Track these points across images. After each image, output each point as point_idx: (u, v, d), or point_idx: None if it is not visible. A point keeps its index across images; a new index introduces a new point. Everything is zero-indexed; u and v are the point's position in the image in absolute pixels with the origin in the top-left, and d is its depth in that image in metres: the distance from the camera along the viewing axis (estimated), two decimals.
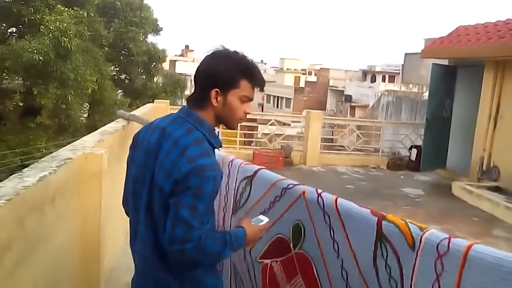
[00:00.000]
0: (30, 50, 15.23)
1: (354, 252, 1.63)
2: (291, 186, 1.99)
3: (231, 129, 1.76)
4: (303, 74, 51.98)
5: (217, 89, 1.62)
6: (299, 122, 13.46)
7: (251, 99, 1.69)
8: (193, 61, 49.63)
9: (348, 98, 35.81)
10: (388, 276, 1.50)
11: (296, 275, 1.91)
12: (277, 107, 43.68)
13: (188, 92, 26.21)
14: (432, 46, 9.86)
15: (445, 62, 9.92)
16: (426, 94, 18.96)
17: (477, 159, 8.56)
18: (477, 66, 8.72)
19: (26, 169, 1.98)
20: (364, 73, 44.39)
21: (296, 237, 1.91)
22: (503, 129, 8.13)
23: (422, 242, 1.38)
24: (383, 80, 40.49)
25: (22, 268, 1.74)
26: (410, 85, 28.27)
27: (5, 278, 1.58)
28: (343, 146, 11.31)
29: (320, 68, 46.30)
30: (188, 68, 42.12)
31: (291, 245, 1.92)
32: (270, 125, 11.04)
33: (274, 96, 45.08)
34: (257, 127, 13.06)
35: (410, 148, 10.34)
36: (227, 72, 1.62)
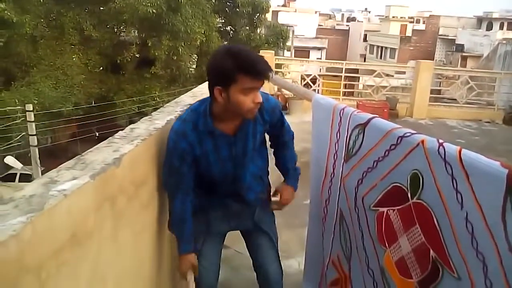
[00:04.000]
0: (144, 3, 16.05)
1: (480, 205, 1.57)
2: (408, 134, 1.93)
3: (247, 118, 1.87)
4: (411, 22, 48.77)
5: (218, 87, 1.74)
6: (404, 73, 12.78)
7: (255, 88, 1.76)
8: (295, 11, 48.73)
9: (460, 48, 33.13)
10: None
11: (413, 225, 1.88)
12: (381, 57, 41.75)
13: (290, 43, 26.07)
14: None
15: None
16: None
17: None
18: None
19: (154, 112, 2.15)
20: (480, 20, 40.45)
21: (414, 186, 1.87)
22: None
23: None
24: (501, 27, 36.62)
25: (153, 202, 1.92)
26: None
27: (142, 209, 1.77)
28: (454, 99, 10.59)
29: (430, 15, 43.16)
30: (290, 18, 41.50)
31: (409, 194, 1.89)
32: (375, 76, 10.64)
33: (377, 46, 43.07)
34: (359, 78, 12.64)
35: None
36: (222, 70, 1.72)
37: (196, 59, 20.78)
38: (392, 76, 19.16)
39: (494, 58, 16.15)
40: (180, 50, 17.45)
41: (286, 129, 2.23)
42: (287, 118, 2.27)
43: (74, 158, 1.45)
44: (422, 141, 1.84)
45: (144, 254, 1.85)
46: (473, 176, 1.59)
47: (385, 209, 2.03)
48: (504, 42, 17.60)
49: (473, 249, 1.63)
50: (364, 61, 36.87)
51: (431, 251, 1.84)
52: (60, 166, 1.37)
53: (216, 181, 2.02)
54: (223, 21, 23.06)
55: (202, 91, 2.86)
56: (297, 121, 5.70)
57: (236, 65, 1.70)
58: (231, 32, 23.36)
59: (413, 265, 1.94)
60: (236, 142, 1.94)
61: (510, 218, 1.45)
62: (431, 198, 1.80)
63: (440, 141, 1.78)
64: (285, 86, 3.31)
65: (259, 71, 1.73)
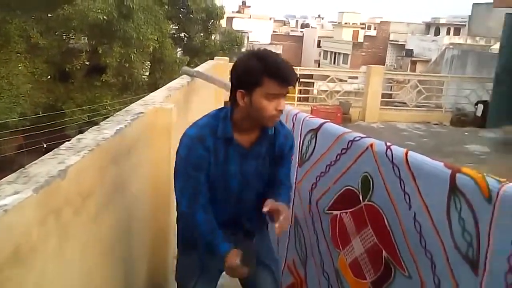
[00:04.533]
0: (94, 10, 15.67)
1: (426, 204, 1.62)
2: (358, 138, 1.99)
3: (266, 126, 1.76)
4: (362, 28, 50.17)
5: (241, 90, 1.67)
6: (356, 78, 13.10)
7: (280, 95, 1.67)
8: (250, 17, 49.07)
9: (409, 53, 34.34)
10: (462, 229, 1.48)
11: (366, 227, 1.93)
12: (334, 63, 42.65)
13: (244, 49, 26.16)
14: None
15: None
16: (494, 47, 17.80)
17: None
18: None
19: (103, 122, 2.09)
20: (428, 26, 42.14)
21: (365, 189, 1.91)
22: None
23: (500, 195, 1.34)
24: (448, 33, 38.26)
25: (102, 214, 1.86)
26: (477, 38, 26.59)
27: (90, 222, 1.71)
28: (404, 102, 10.95)
29: (381, 22, 44.53)
30: (245, 25, 41.74)
31: (361, 197, 1.93)
32: (329, 81, 10.84)
33: (331, 52, 43.98)
34: (313, 83, 12.84)
35: (476, 104, 9.85)
36: (248, 73, 1.65)
37: (149, 66, 20.48)
38: (346, 81, 19.60)
39: (441, 62, 16.80)
40: (132, 57, 17.10)
41: (288, 164, 2.00)
42: None
43: (17, 172, 1.39)
44: (371, 145, 1.89)
45: (94, 269, 1.79)
46: (419, 177, 1.65)
47: (338, 212, 2.06)
48: (451, 46, 18.41)
49: (422, 248, 1.68)
50: (318, 66, 37.50)
51: (383, 251, 1.88)
52: (1, 180, 1.32)
53: (216, 201, 1.83)
54: (177, 27, 22.84)
55: (154, 99, 2.82)
56: None
57: (263, 68, 1.64)
58: (185, 38, 23.18)
59: (367, 266, 1.98)
60: (249, 157, 1.81)
61: (455, 216, 1.51)
62: (382, 200, 1.84)
63: (388, 144, 1.83)
64: (225, 86, 3.27)
65: (286, 77, 1.66)
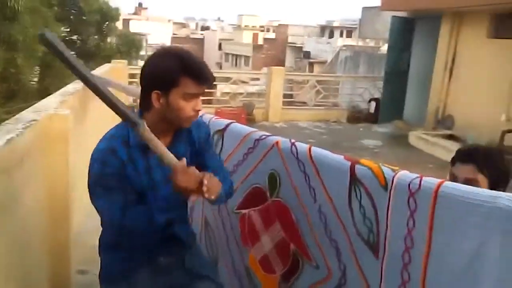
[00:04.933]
0: None
1: (330, 196, 1.70)
2: (263, 137, 2.03)
3: (183, 127, 1.67)
4: (262, 31, 51.34)
5: (157, 91, 1.55)
6: (258, 79, 13.40)
7: (197, 95, 1.59)
8: (147, 19, 47.95)
9: (307, 55, 35.79)
10: (362, 216, 1.58)
11: (274, 222, 1.97)
12: (235, 65, 43.18)
13: (144, 52, 25.52)
14: None
15: (404, 14, 10.04)
16: (383, 49, 19.22)
17: (433, 109, 8.87)
18: (435, 17, 8.89)
19: None
20: (323, 29, 44.28)
21: (272, 186, 1.95)
22: (458, 79, 8.41)
23: (395, 182, 1.45)
24: (341, 35, 40.58)
25: None
26: (367, 40, 28.46)
27: None
28: (304, 102, 11.41)
29: (279, 25, 45.83)
30: (142, 27, 40.68)
31: (268, 194, 1.97)
32: (231, 83, 10.96)
33: (232, 55, 44.46)
34: (216, 85, 12.90)
35: (369, 101, 10.57)
36: (164, 72, 1.54)
37: (38, 72, 19.13)
38: (248, 83, 19.95)
39: (336, 63, 17.78)
40: (19, 62, 15.88)
41: (214, 154, 1.92)
42: None
43: None
44: (277, 143, 1.94)
45: None
46: (322, 171, 1.72)
47: (247, 211, 2.09)
48: (344, 48, 19.53)
49: (327, 238, 1.76)
50: (220, 69, 37.74)
51: (291, 244, 1.95)
52: None
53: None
54: (68, 30, 21.62)
55: (47, 105, 2.65)
56: None
57: (180, 67, 1.53)
58: (78, 41, 22.02)
59: (276, 260, 2.03)
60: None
61: (356, 205, 1.60)
62: (288, 195, 1.90)
63: (292, 141, 1.90)
64: (124, 89, 3.15)
65: (204, 76, 1.58)
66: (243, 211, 2.10)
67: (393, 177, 1.46)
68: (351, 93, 11.77)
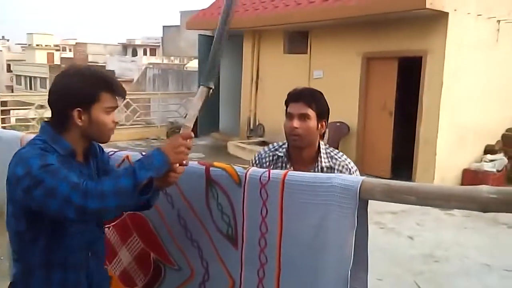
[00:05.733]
0: None
1: (188, 200, 1.83)
2: (111, 153, 2.05)
3: (103, 142, 1.69)
4: (57, 50, 48.04)
5: (78, 109, 1.55)
6: None
7: (115, 108, 1.65)
8: None
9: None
10: (220, 213, 1.75)
11: (131, 235, 2.01)
12: (30, 88, 39.43)
13: None
14: (196, 18, 10.46)
15: (208, 33, 10.66)
16: (188, 66, 19.94)
17: (245, 119, 9.65)
18: (238, 36, 9.68)
19: None
20: (125, 47, 43.62)
21: None
22: (263, 90, 9.33)
23: (247, 178, 1.67)
24: (145, 53, 40.60)
25: None
26: (172, 58, 29.11)
27: None
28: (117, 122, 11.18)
29: (76, 43, 43.59)
30: None
31: None
32: (36, 108, 10.05)
33: (25, 76, 40.48)
34: (9, 111, 11.61)
35: (185, 116, 10.89)
36: (84, 89, 1.56)
37: None
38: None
39: (144, 81, 17.74)
40: None
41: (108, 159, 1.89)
42: None
43: None
44: (127, 156, 2.00)
45: None
46: (179, 178, 1.84)
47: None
48: (151, 66, 19.63)
49: (188, 240, 1.89)
50: (12, 92, 34.02)
51: (152, 253, 2.01)
52: None
53: (73, 235, 1.57)
54: None
55: None
56: None
57: (98, 83, 1.57)
58: None
59: (136, 273, 2.07)
60: (90, 172, 1.67)
61: (213, 204, 1.77)
62: None
63: (144, 153, 1.97)
64: None
65: (120, 89, 1.63)
66: None
67: (246, 174, 1.67)
68: (166, 110, 11.97)
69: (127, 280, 2.08)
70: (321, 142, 2.08)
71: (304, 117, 1.99)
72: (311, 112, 2.01)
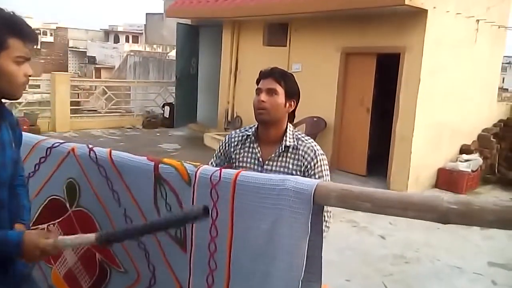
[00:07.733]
0: None
1: (135, 198, 1.70)
2: (56, 144, 1.91)
3: (15, 98, 1.47)
4: (38, 33, 46.89)
5: None
6: (39, 87, 12.20)
7: (28, 58, 1.44)
8: None
9: (92, 60, 34.18)
10: (169, 214, 1.63)
11: (76, 233, 1.87)
12: None
13: None
14: (176, 6, 10.21)
15: (188, 21, 10.44)
16: (171, 54, 19.63)
17: (222, 111, 9.49)
18: (217, 25, 9.49)
19: None
20: (107, 33, 42.83)
21: (71, 196, 1.85)
22: (241, 82, 9.17)
23: (197, 177, 1.54)
24: (127, 40, 39.95)
25: None
26: (154, 46, 28.71)
27: None
28: (95, 110, 10.91)
29: (57, 27, 42.60)
30: None
31: (67, 205, 1.86)
32: None
33: None
34: None
35: (163, 106, 10.71)
36: None
37: None
38: (26, 91, 18.02)
39: (125, 69, 17.44)
40: None
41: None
42: None
43: None
44: (73, 149, 1.85)
45: None
46: (125, 174, 1.71)
47: (45, 226, 1.93)
48: (132, 54, 19.29)
49: (135, 241, 1.76)
50: None
51: (97, 254, 1.88)
52: None
53: None
54: None
55: None
56: None
57: (7, 28, 1.35)
58: None
59: (81, 274, 1.94)
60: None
61: (162, 203, 1.65)
62: (90, 203, 1.83)
63: (90, 146, 1.83)
64: None
65: (34, 35, 1.42)
66: (41, 226, 1.93)
67: (196, 172, 1.55)
68: (144, 99, 11.73)
69: (72, 281, 1.95)
70: (290, 125, 2.04)
71: (272, 92, 1.96)
72: (279, 89, 1.97)
